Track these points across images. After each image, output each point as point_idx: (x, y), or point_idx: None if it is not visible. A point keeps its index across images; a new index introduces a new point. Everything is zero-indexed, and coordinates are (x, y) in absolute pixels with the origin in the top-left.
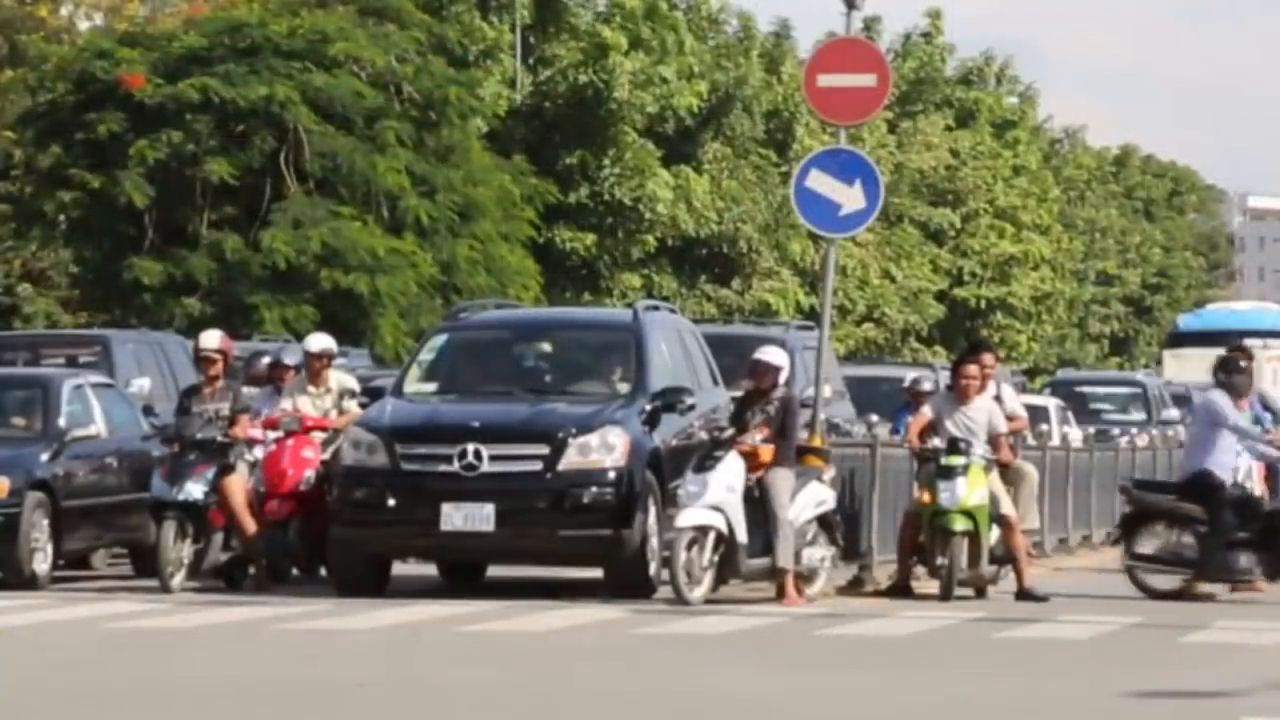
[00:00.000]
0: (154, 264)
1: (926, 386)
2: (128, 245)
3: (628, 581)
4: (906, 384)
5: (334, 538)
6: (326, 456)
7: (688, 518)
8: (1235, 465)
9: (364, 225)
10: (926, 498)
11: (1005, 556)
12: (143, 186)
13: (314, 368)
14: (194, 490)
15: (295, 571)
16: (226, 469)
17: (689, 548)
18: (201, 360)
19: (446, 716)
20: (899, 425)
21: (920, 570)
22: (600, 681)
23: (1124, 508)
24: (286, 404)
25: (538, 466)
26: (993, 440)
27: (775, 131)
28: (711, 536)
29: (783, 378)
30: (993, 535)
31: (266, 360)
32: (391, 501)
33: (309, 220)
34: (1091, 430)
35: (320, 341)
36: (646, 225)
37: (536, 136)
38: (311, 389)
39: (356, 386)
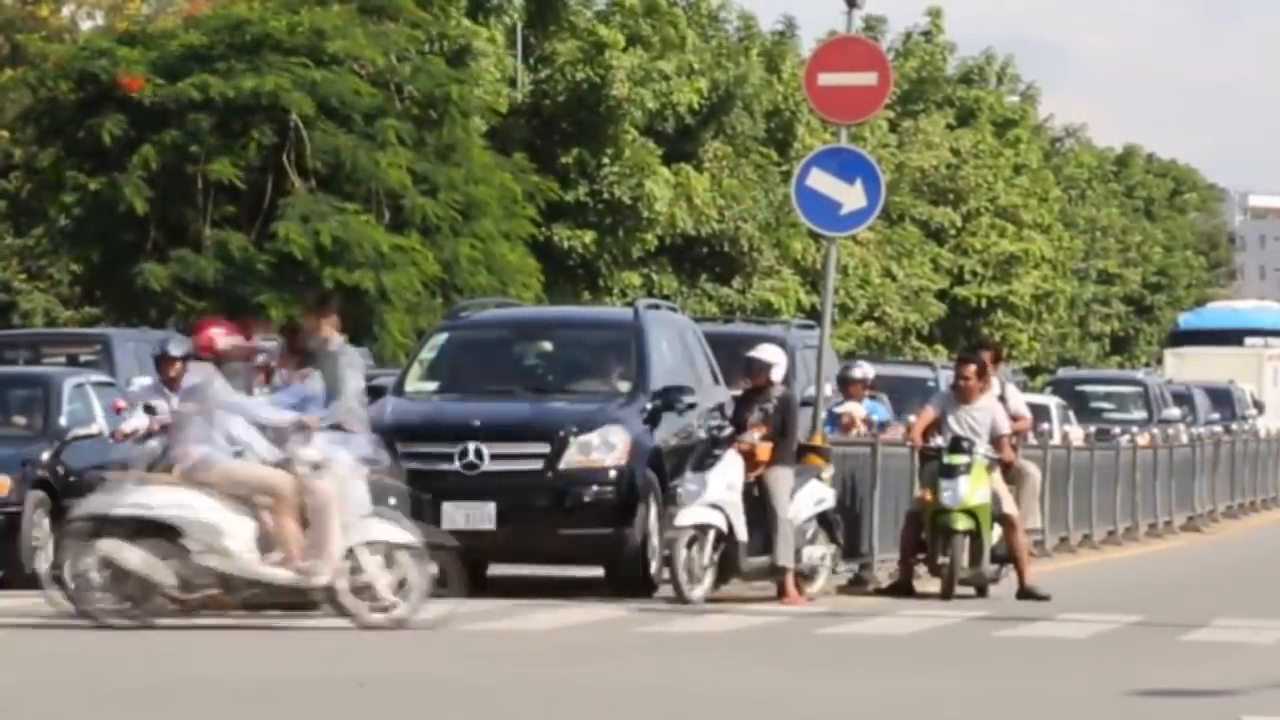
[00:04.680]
0: (162, 268)
1: (856, 375)
2: (129, 247)
3: (628, 580)
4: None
5: None
6: None
7: (688, 516)
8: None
9: (368, 222)
10: (929, 496)
11: (1006, 555)
12: (143, 190)
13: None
14: None
15: None
16: None
17: (689, 546)
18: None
19: (446, 716)
20: (831, 422)
21: (921, 569)
22: (600, 680)
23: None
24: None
25: (539, 465)
26: (995, 440)
27: (776, 130)
28: (711, 535)
29: (777, 375)
30: (994, 534)
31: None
32: (392, 501)
33: (316, 216)
34: (1092, 429)
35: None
36: (646, 224)
37: (536, 135)
38: None
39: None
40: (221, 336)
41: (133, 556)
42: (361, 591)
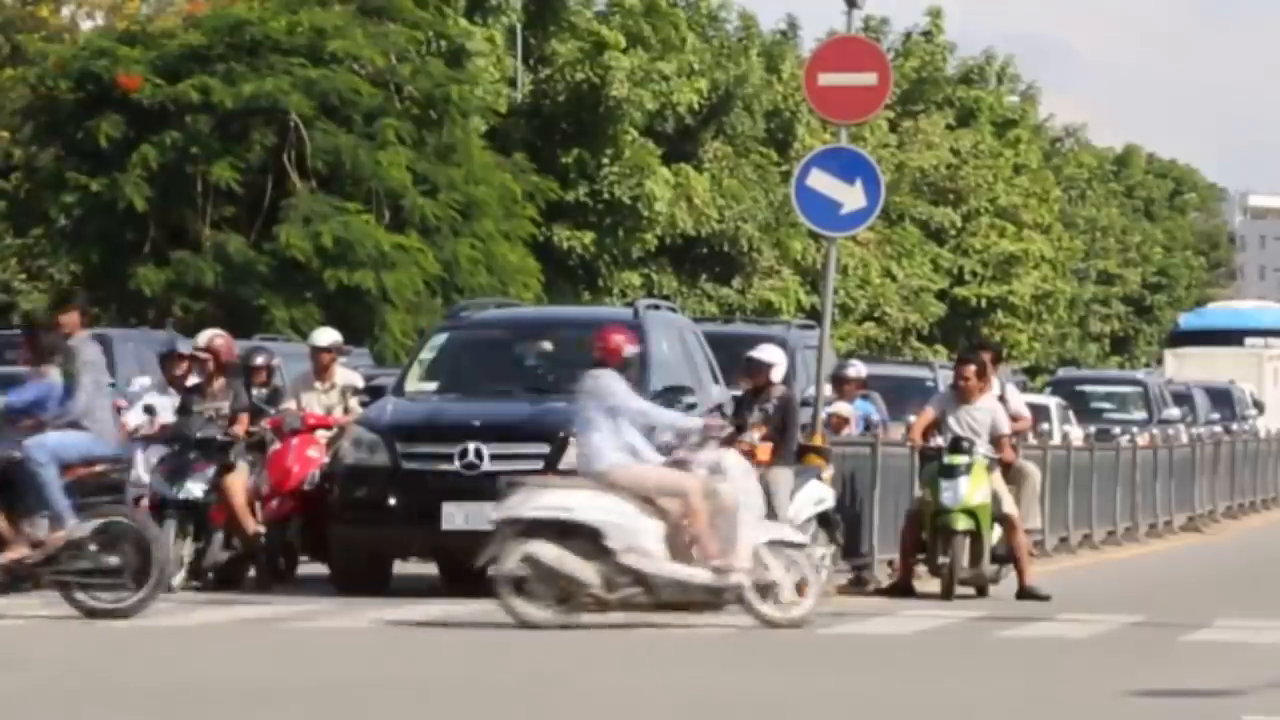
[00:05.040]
0: (156, 272)
1: (850, 374)
2: (128, 247)
3: None
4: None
5: (335, 536)
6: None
7: None
8: None
9: (368, 222)
10: (930, 496)
11: (1007, 555)
12: (142, 189)
13: (321, 362)
14: (194, 489)
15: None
16: (227, 468)
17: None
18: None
19: (447, 716)
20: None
21: (921, 569)
22: (600, 681)
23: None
24: (291, 402)
25: (538, 465)
26: (996, 440)
27: (776, 130)
28: None
29: (777, 375)
30: (994, 534)
31: (259, 360)
32: (392, 500)
33: (317, 217)
34: (1092, 429)
35: (328, 335)
36: (646, 224)
37: (536, 135)
38: (317, 384)
39: (360, 383)
40: (626, 344)
41: (559, 557)
42: (765, 591)
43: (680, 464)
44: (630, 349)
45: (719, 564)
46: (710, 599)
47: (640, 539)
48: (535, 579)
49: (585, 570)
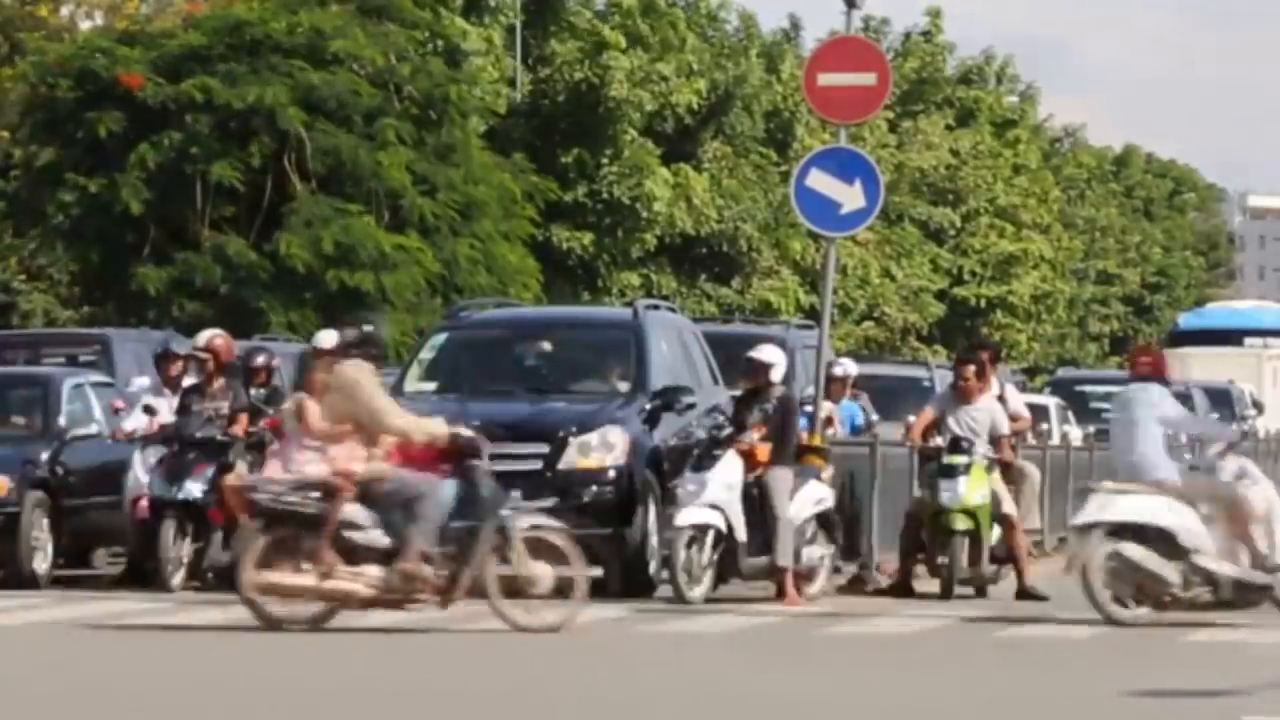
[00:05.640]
0: (157, 271)
1: (837, 373)
2: (128, 248)
3: (628, 580)
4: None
5: None
6: None
7: (687, 516)
8: None
9: (369, 223)
10: (929, 496)
11: (1006, 555)
12: (141, 191)
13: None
14: (194, 489)
15: None
16: (226, 468)
17: (688, 546)
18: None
19: (447, 717)
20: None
21: (921, 569)
22: (600, 681)
23: None
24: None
25: (538, 465)
26: (995, 440)
27: (775, 130)
28: (711, 535)
29: (776, 375)
30: (994, 534)
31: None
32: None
33: (318, 221)
34: (1091, 429)
35: (333, 338)
36: (645, 224)
37: (535, 135)
38: None
39: None
40: (1160, 358)
41: (1145, 556)
42: None
43: (1208, 470)
44: (1164, 363)
45: (1275, 564)
46: (1261, 599)
47: (1205, 541)
48: (1117, 578)
49: (1168, 570)
